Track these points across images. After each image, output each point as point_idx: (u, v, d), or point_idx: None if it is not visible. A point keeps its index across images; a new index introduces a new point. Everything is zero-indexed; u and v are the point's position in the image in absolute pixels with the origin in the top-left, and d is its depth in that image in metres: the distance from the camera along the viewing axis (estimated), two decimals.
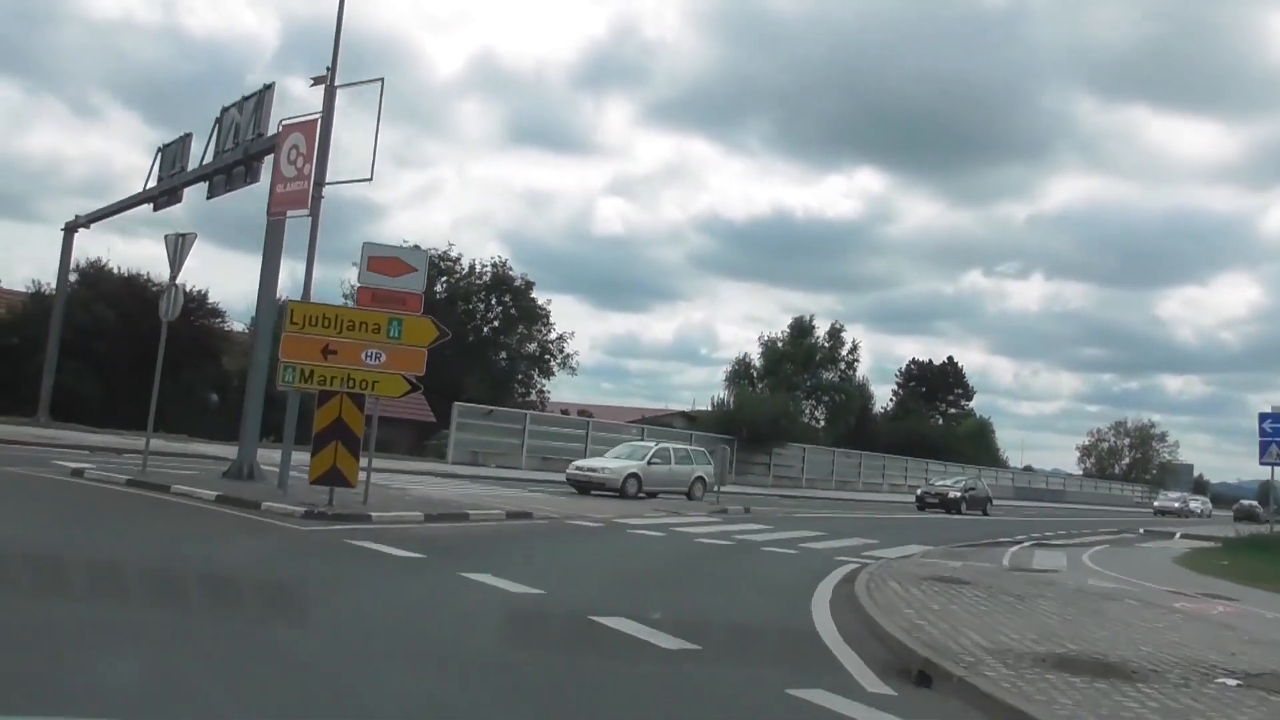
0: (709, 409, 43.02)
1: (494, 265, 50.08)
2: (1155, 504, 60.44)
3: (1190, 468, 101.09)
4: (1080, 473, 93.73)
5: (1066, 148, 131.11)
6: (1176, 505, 57.48)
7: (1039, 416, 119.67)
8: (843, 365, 62.52)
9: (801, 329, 61.22)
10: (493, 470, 31.31)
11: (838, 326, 62.78)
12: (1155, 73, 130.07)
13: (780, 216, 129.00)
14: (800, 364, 60.21)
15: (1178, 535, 29.52)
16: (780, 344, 60.70)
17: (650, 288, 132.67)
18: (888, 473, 55.57)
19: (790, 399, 49.88)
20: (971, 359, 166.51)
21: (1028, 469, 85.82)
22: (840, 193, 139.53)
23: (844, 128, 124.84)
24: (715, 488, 24.97)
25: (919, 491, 36.34)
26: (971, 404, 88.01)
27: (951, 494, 35.11)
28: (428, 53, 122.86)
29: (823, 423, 60.38)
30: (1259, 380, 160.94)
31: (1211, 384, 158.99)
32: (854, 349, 62.60)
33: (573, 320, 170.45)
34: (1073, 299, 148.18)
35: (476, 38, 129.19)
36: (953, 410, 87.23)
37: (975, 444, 78.20)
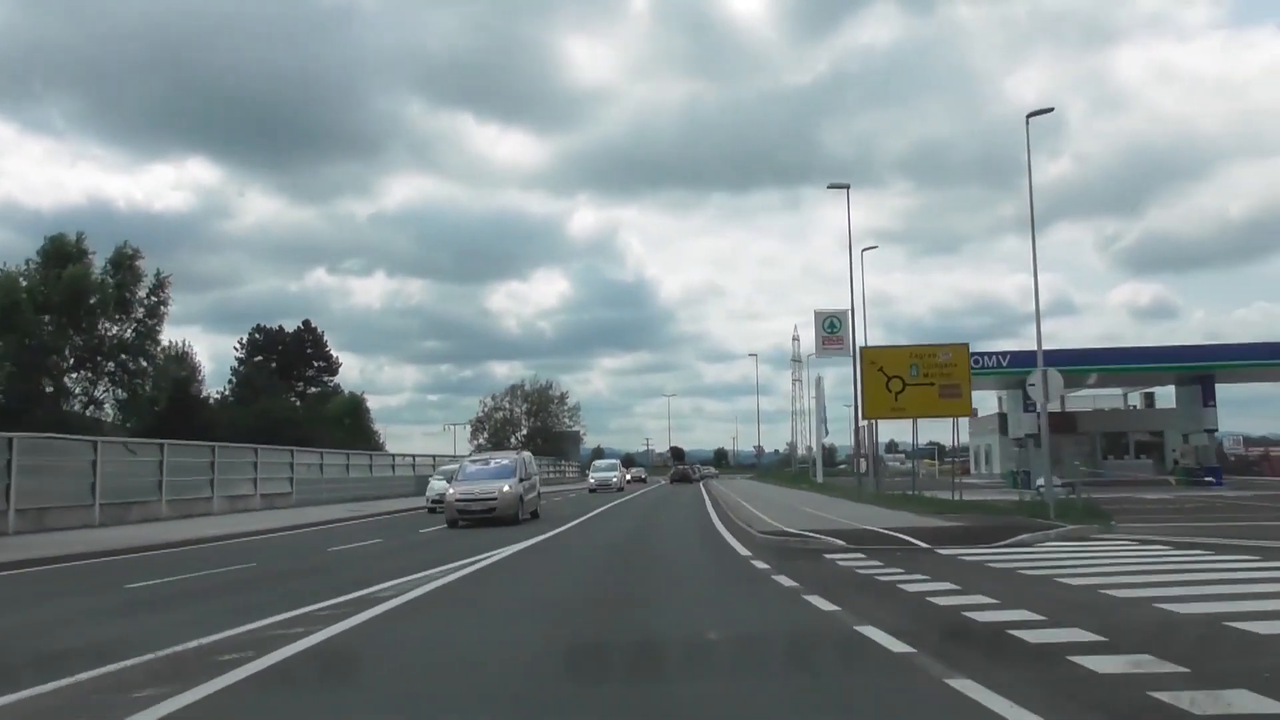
0: None
1: None
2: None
3: (577, 434, 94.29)
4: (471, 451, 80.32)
5: (400, 148, 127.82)
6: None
7: (386, 409, 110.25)
8: (141, 312, 38.21)
9: (62, 253, 35.72)
10: None
11: (128, 251, 38.04)
12: (476, 82, 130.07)
13: (98, 207, 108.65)
14: (62, 311, 35.01)
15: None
16: (25, 278, 34.73)
17: None
18: (262, 472, 32.87)
19: (32, 348, 25.63)
20: None
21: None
22: (169, 184, 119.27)
23: (170, 112, 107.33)
24: None
25: None
26: (338, 379, 69.87)
27: None
28: None
29: (112, 409, 36.05)
30: (569, 363, 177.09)
31: (532, 367, 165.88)
32: (159, 288, 38.59)
33: None
34: (414, 295, 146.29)
35: None
36: (314, 389, 68.08)
37: (348, 427, 60.92)
